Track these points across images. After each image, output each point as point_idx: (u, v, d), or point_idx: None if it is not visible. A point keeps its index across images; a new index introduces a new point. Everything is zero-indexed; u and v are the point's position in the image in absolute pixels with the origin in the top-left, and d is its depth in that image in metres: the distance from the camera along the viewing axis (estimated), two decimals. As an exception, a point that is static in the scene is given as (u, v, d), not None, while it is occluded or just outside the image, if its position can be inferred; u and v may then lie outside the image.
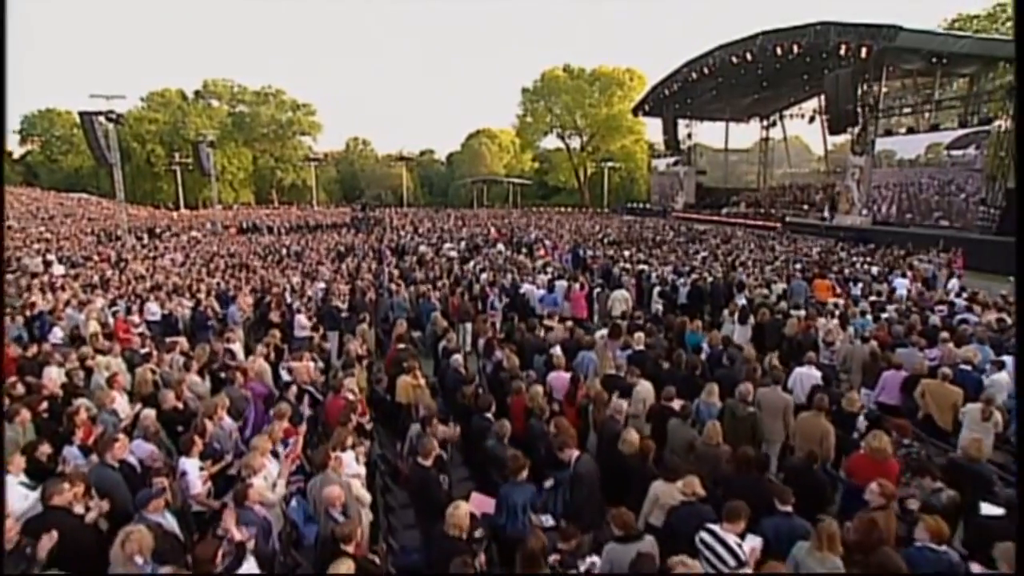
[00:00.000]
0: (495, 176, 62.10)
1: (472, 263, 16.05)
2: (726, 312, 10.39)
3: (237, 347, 7.66)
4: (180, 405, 5.55)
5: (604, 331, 8.09)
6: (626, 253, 18.25)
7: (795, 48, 27.12)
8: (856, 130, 26.83)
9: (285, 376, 6.44)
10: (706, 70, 33.64)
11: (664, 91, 39.03)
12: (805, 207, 32.47)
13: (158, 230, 32.01)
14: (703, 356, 7.17)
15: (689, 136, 43.03)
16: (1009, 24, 34.97)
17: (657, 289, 12.01)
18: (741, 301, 11.11)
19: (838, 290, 12.32)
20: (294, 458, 4.76)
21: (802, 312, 9.85)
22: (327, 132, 68.08)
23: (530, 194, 62.90)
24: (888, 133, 26.50)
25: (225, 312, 10.44)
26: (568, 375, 6.30)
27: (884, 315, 9.52)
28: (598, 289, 11.82)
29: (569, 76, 58.57)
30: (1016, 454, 5.50)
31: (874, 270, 14.19)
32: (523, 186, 61.06)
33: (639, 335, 7.15)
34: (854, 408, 5.48)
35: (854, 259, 16.93)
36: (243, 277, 14.26)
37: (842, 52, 25.36)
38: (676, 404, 5.47)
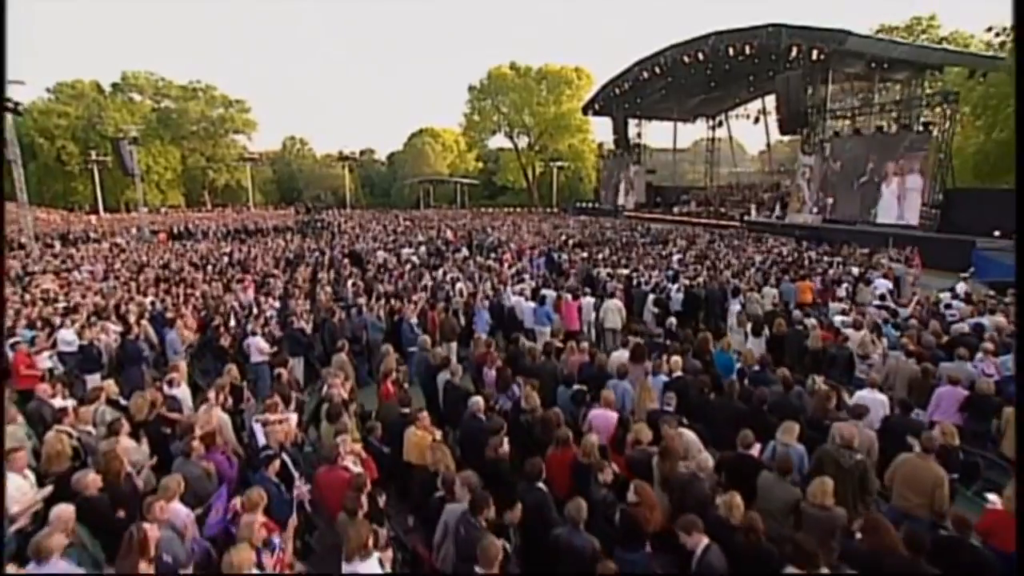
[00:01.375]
0: (441, 176, 60.70)
1: (442, 271, 14.71)
2: (733, 322, 9.70)
3: (183, 391, 6.06)
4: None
5: (623, 352, 7.09)
6: (599, 256, 17.44)
7: (747, 49, 27.55)
8: (805, 130, 27.49)
9: (260, 435, 4.81)
10: (657, 69, 33.79)
11: (615, 90, 38.98)
12: (754, 205, 33.11)
13: (73, 237, 28.42)
14: (746, 380, 6.27)
15: (639, 135, 43.24)
16: (924, 36, 37.81)
17: (652, 297, 11.19)
18: (736, 307, 10.51)
19: (838, 292, 11.97)
20: (284, 568, 3.44)
21: (812, 320, 9.29)
22: (262, 131, 64.25)
23: (477, 194, 61.91)
24: (836, 135, 27.27)
25: (163, 339, 8.71)
26: (615, 414, 5.22)
27: (897, 320, 9.09)
28: (593, 299, 10.84)
29: (516, 74, 57.81)
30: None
31: (854, 270, 14.02)
32: (470, 186, 59.87)
33: (676, 359, 6.16)
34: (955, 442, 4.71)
35: (824, 259, 16.84)
36: (181, 293, 12.21)
37: (793, 54, 25.92)
38: (755, 450, 4.54)
